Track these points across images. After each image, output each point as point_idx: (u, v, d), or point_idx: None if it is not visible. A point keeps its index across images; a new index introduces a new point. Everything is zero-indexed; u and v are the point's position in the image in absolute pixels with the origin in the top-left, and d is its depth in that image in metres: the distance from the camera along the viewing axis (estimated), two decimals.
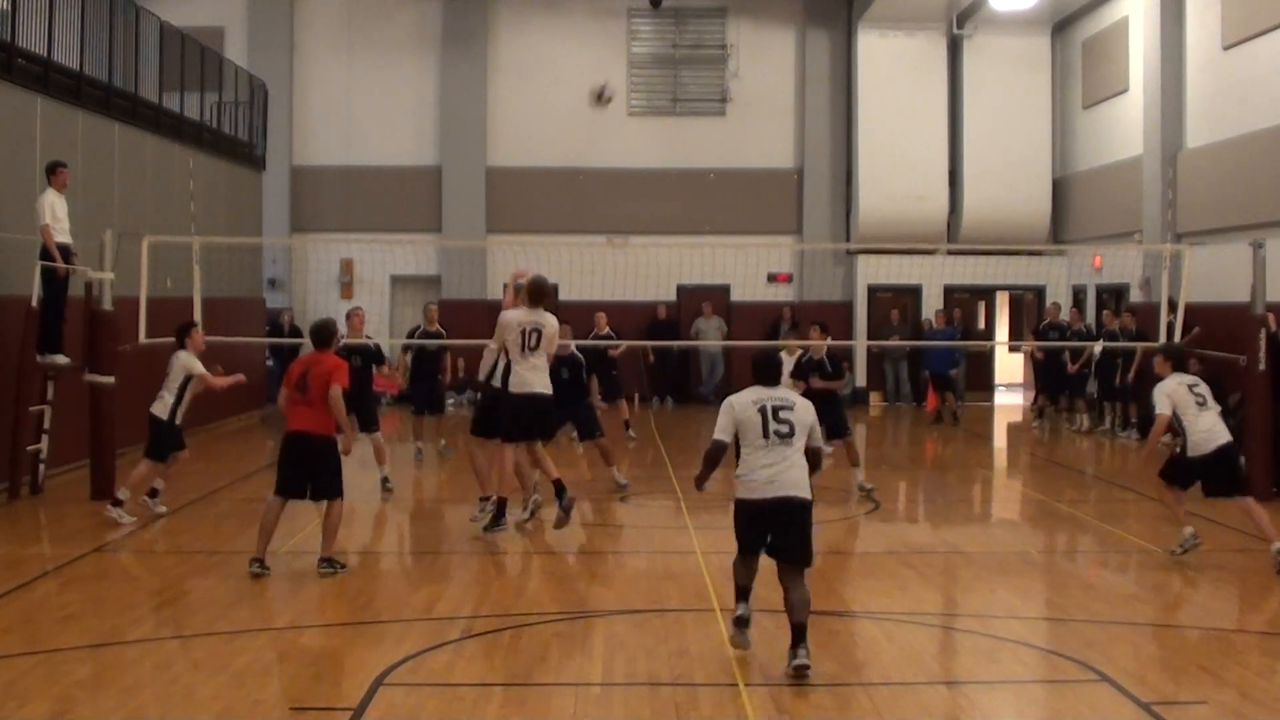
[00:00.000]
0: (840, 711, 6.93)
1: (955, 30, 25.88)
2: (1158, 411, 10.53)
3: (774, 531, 7.65)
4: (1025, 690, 7.52)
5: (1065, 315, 22.36)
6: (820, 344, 14.64)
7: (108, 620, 8.61)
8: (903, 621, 8.74)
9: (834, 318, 26.21)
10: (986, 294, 26.95)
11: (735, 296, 25.68)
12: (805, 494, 7.65)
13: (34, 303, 13.23)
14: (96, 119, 16.33)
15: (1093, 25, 24.46)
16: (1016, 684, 7.58)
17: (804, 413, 7.81)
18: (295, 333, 25.23)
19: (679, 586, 9.80)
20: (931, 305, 25.52)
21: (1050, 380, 21.74)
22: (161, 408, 12.57)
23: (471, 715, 6.75)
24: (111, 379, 13.79)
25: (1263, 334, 13.94)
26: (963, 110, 26.12)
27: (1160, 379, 10.77)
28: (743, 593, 7.86)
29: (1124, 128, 22.74)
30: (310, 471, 10.23)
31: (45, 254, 13.29)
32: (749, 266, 25.02)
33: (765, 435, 7.68)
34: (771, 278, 26.62)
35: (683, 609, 9.05)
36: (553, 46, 26.81)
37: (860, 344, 25.39)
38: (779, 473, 7.62)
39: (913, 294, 26.20)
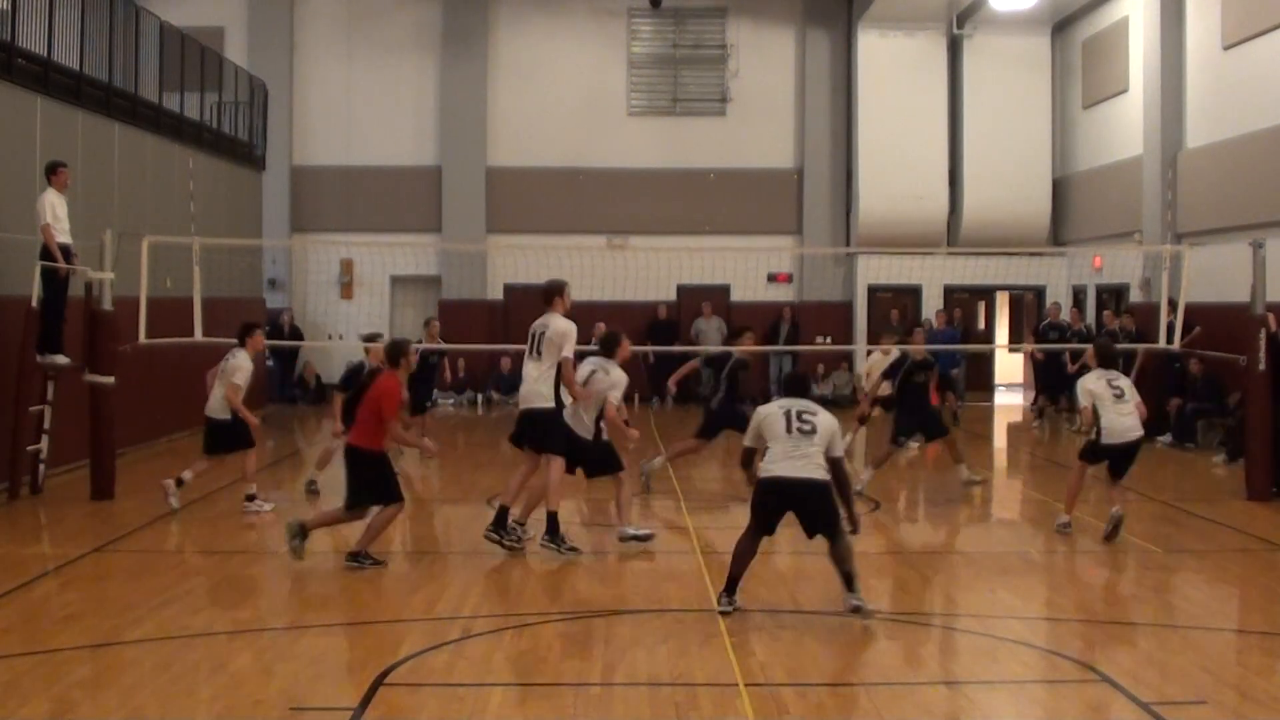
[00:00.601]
0: (840, 711, 6.93)
1: (955, 30, 25.90)
2: (1081, 405, 11.80)
3: (799, 511, 8.62)
4: (1025, 690, 7.52)
5: (1065, 315, 22.36)
6: (919, 346, 14.79)
7: (108, 620, 8.60)
8: (903, 621, 8.74)
9: (834, 318, 26.32)
10: (986, 294, 26.97)
11: (735, 297, 25.68)
12: (824, 476, 8.57)
13: (34, 303, 13.23)
14: (96, 119, 16.33)
15: (1093, 25, 24.47)
16: (1016, 684, 7.57)
17: (827, 421, 8.72)
18: (295, 333, 25.29)
19: (679, 586, 9.80)
20: (931, 305, 25.53)
21: (1050, 380, 21.73)
22: (212, 406, 12.89)
23: (471, 715, 6.75)
24: (111, 379, 13.78)
25: (1263, 334, 13.94)
26: (963, 110, 26.12)
27: (1086, 370, 12.14)
28: (732, 584, 8.70)
29: (1124, 128, 22.74)
30: (356, 482, 10.36)
31: (45, 254, 13.29)
32: (749, 267, 25.04)
33: (789, 431, 8.63)
34: (771, 278, 26.64)
35: (683, 609, 9.05)
36: (553, 46, 26.83)
37: (860, 345, 25.39)
38: (800, 457, 8.55)
39: (913, 294, 26.21)
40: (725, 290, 25.58)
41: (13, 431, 13.18)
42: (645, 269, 22.46)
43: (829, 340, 25.75)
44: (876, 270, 25.15)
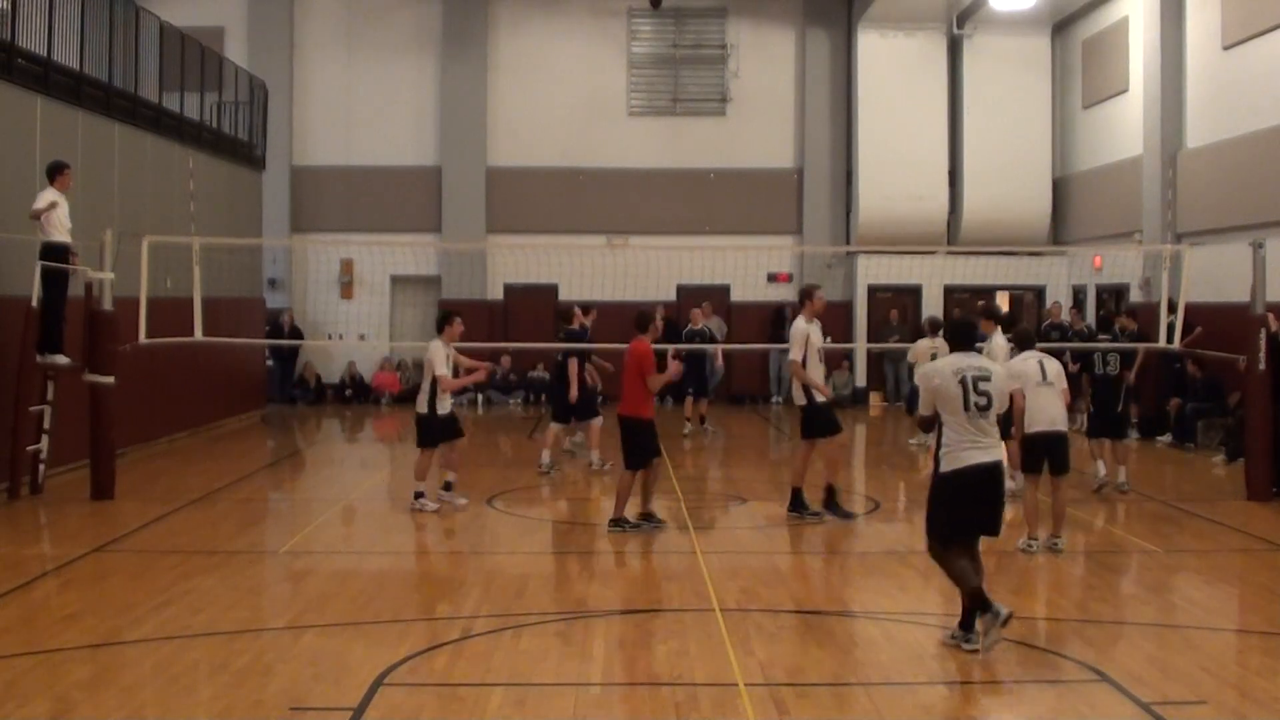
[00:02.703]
0: (840, 711, 6.93)
1: (955, 30, 25.90)
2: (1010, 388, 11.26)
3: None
4: (1025, 690, 7.51)
5: (1065, 315, 22.36)
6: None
7: (108, 620, 8.60)
8: (903, 621, 8.74)
9: (834, 318, 26.30)
10: (986, 294, 26.91)
11: (735, 296, 25.69)
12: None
13: (34, 303, 13.23)
14: (96, 119, 16.33)
15: (1093, 25, 24.47)
16: (1016, 684, 7.57)
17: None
18: (295, 333, 25.29)
19: (679, 586, 9.80)
20: (932, 305, 25.52)
21: None
22: (420, 401, 13.09)
23: (471, 715, 6.74)
24: (111, 379, 13.78)
25: (1263, 334, 13.94)
26: (962, 110, 26.13)
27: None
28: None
29: (1124, 128, 22.74)
30: (626, 445, 11.90)
31: (45, 254, 13.28)
32: (749, 266, 25.05)
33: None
34: (771, 278, 26.64)
35: (683, 609, 9.05)
36: (553, 46, 26.84)
37: (860, 345, 25.39)
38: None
39: (913, 294, 26.21)
40: (725, 290, 25.58)
41: (13, 431, 13.18)
42: (645, 269, 22.46)
43: (829, 340, 25.72)
44: (876, 270, 25.16)
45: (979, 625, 7.82)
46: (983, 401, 7.93)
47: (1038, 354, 11.30)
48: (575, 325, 16.24)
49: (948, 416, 8.02)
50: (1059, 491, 11.24)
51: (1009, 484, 10.19)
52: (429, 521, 13.29)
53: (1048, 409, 11.02)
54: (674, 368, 12.28)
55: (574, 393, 15.60)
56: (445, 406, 13.01)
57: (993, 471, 8.01)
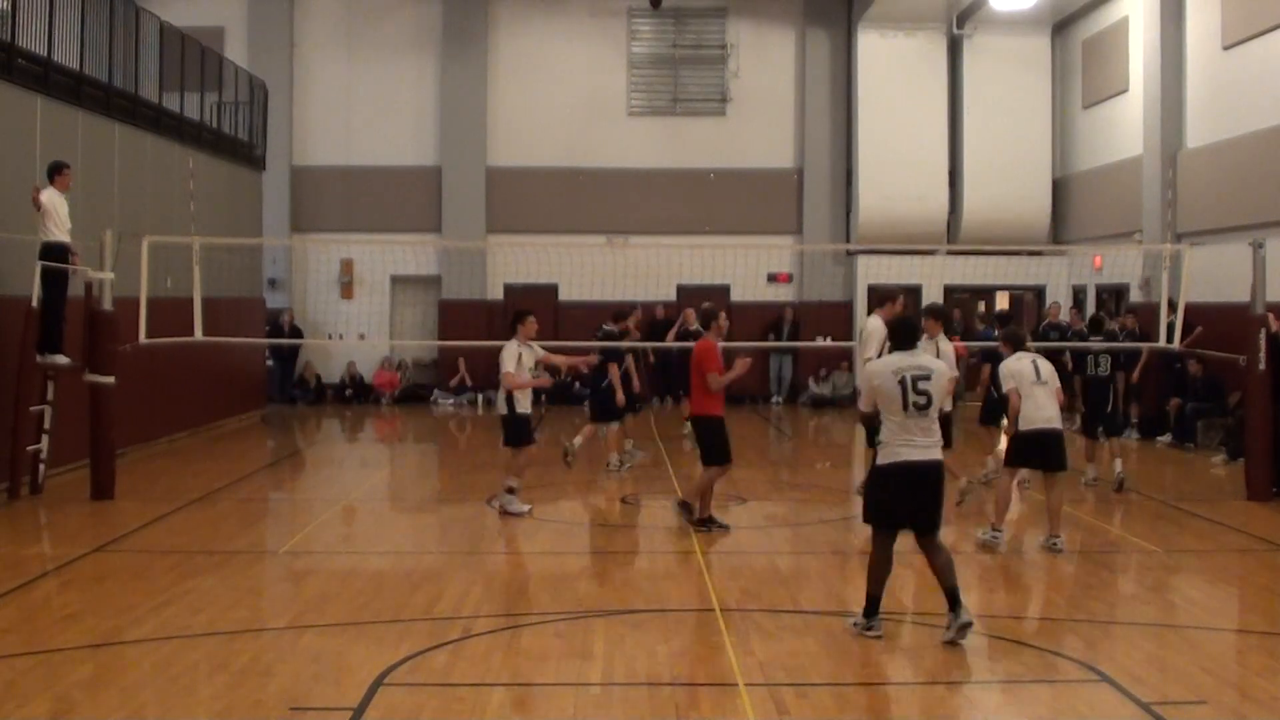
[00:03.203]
0: (840, 711, 6.93)
1: (955, 30, 25.89)
2: (1005, 388, 11.17)
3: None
4: (1025, 690, 7.51)
5: (1065, 315, 22.34)
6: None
7: (108, 620, 8.60)
8: (902, 621, 8.74)
9: (834, 318, 26.33)
10: (986, 294, 26.95)
11: (735, 296, 25.67)
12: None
13: (34, 303, 13.23)
14: (96, 119, 16.33)
15: (1093, 25, 24.47)
16: (1016, 684, 7.57)
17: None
18: (295, 333, 25.30)
19: (679, 586, 9.80)
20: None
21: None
22: (499, 402, 12.90)
23: (471, 715, 6.75)
24: (111, 379, 13.78)
25: (1263, 334, 13.94)
26: (963, 110, 26.13)
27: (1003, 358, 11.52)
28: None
29: (1124, 128, 22.74)
30: (702, 444, 12.10)
31: (45, 254, 13.28)
32: (749, 266, 25.05)
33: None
34: (771, 278, 26.64)
35: (683, 609, 9.05)
36: (553, 46, 26.84)
37: (860, 345, 25.36)
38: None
39: (913, 294, 26.16)
40: (725, 290, 25.57)
41: (13, 431, 13.18)
42: (645, 268, 22.45)
43: (829, 340, 25.75)
44: (876, 270, 25.15)
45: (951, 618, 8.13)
46: (921, 401, 8.06)
47: (1030, 354, 11.35)
48: (617, 327, 16.28)
49: (887, 414, 8.14)
50: (1055, 489, 11.24)
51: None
52: (429, 521, 13.31)
53: (1045, 408, 11.05)
54: (741, 365, 11.96)
55: (620, 396, 15.59)
56: (525, 406, 12.73)
57: (926, 470, 8.12)
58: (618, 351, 15.82)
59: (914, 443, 8.06)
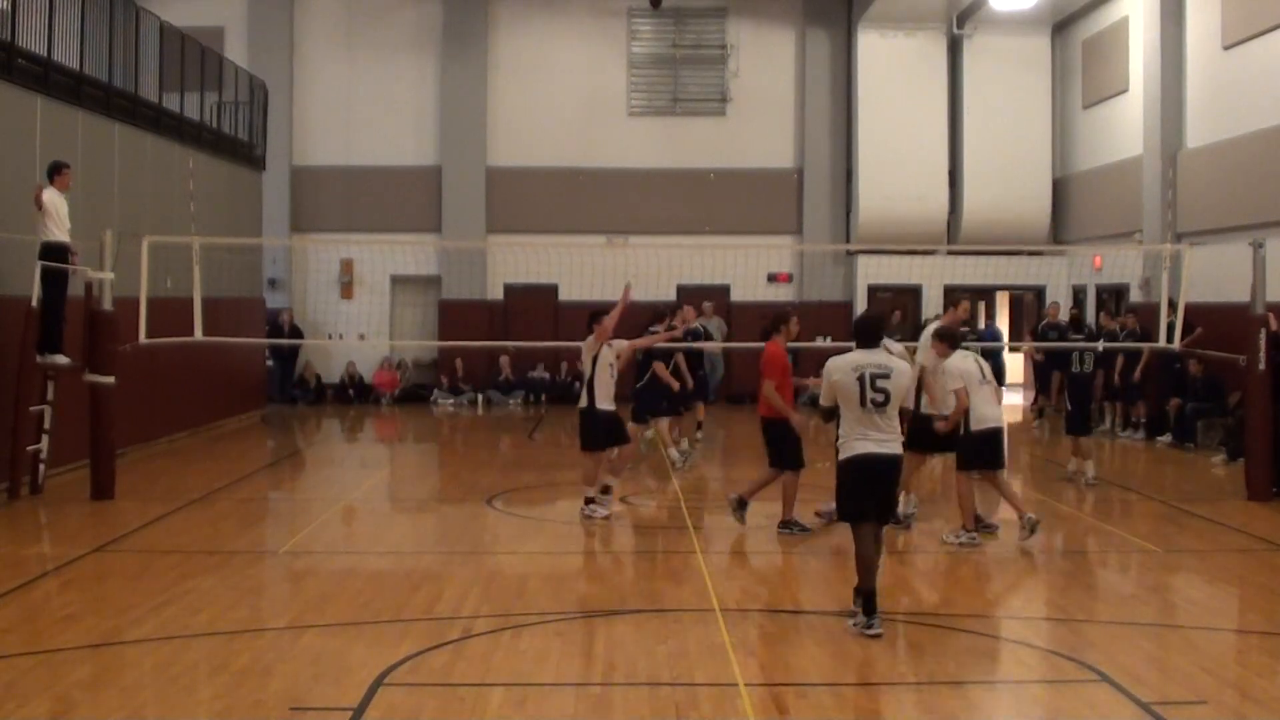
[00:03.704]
0: (840, 711, 6.93)
1: (955, 30, 25.90)
2: (952, 387, 11.14)
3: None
4: (1025, 690, 7.52)
5: (1065, 315, 22.34)
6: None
7: (108, 620, 8.60)
8: (903, 621, 8.74)
9: (834, 318, 26.30)
10: (986, 294, 26.95)
11: (735, 296, 25.69)
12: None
13: (34, 303, 13.22)
14: (96, 119, 16.32)
15: (1093, 25, 24.47)
16: (1016, 684, 7.58)
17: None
18: (295, 333, 25.30)
19: (679, 586, 9.80)
20: (932, 305, 25.49)
21: (1050, 380, 21.69)
22: (581, 396, 12.63)
23: (471, 715, 6.75)
24: (111, 379, 13.78)
25: (1263, 334, 13.94)
26: (963, 110, 26.13)
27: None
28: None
29: (1124, 128, 22.74)
30: (770, 445, 11.91)
31: (45, 254, 13.28)
32: (749, 266, 25.04)
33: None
34: (771, 278, 26.64)
35: (682, 609, 9.05)
36: (553, 46, 26.85)
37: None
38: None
39: (913, 294, 26.20)
40: (725, 290, 25.58)
41: (13, 431, 13.17)
42: (645, 268, 22.42)
43: (829, 340, 25.73)
44: (876, 270, 25.17)
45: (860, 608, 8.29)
46: (879, 398, 8.26)
47: (972, 354, 11.61)
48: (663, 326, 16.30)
49: (845, 410, 8.37)
50: (1000, 481, 11.54)
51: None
52: (429, 521, 13.31)
53: (993, 406, 11.37)
54: (797, 423, 11.69)
55: (675, 384, 15.72)
56: (607, 402, 12.30)
57: (883, 463, 8.33)
58: (666, 350, 15.76)
59: (870, 436, 8.27)
